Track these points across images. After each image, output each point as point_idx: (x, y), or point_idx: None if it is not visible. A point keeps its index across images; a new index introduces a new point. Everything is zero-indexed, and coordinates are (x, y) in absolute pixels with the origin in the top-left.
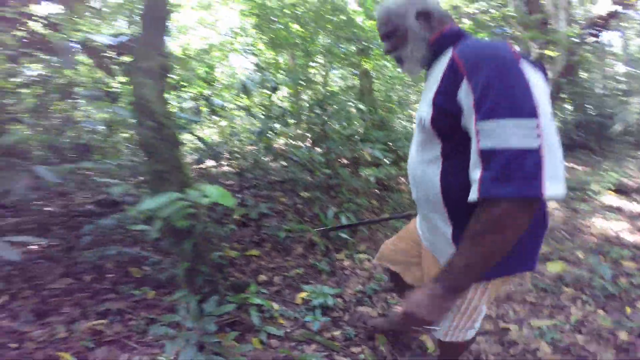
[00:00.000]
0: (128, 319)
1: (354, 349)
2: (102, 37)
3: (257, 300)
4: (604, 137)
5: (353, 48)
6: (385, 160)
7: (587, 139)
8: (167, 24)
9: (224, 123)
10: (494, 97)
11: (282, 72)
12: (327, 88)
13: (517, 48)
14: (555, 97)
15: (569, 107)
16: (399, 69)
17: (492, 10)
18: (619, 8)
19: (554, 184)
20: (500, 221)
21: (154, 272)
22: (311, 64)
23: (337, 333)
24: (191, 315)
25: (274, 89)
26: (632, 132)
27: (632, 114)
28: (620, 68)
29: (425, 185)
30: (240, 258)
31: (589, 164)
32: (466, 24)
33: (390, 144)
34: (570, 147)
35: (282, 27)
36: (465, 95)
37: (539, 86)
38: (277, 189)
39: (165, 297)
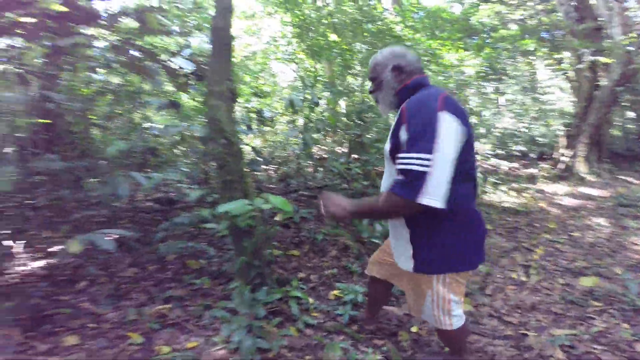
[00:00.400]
0: (187, 305)
1: (378, 342)
2: (182, 61)
3: (297, 294)
4: None
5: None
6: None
7: None
8: (231, 50)
9: (268, 131)
10: (412, 140)
11: (320, 81)
12: (364, 96)
13: (447, 97)
14: (611, 105)
15: (631, 114)
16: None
17: (541, 15)
18: None
19: (431, 198)
20: (391, 205)
21: (208, 265)
22: (349, 72)
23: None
24: (244, 303)
25: (316, 104)
26: None
27: None
28: None
29: None
30: (282, 256)
31: None
32: (512, 29)
33: None
34: (629, 159)
35: (320, 36)
36: (403, 135)
37: (450, 130)
38: (315, 195)
39: (218, 287)
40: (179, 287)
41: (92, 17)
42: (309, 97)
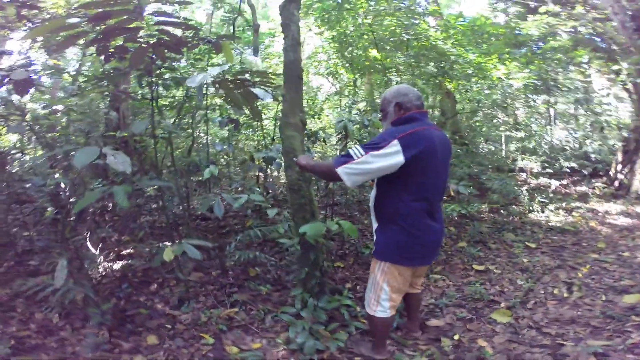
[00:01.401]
0: (249, 309)
1: (422, 347)
2: (259, 91)
3: (348, 302)
4: None
5: (432, 68)
6: (468, 194)
7: None
8: (302, 81)
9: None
10: (368, 142)
11: (360, 95)
12: None
13: (413, 133)
14: None
15: None
16: None
17: (594, 24)
18: None
19: (344, 174)
20: (326, 167)
21: (263, 273)
22: (387, 87)
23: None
24: (308, 309)
25: (366, 127)
26: None
27: None
28: None
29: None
30: (330, 268)
31: None
32: (563, 39)
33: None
34: None
35: (361, 52)
36: None
37: (386, 152)
38: (354, 208)
39: (275, 293)
40: (241, 292)
41: (181, 44)
42: (358, 119)
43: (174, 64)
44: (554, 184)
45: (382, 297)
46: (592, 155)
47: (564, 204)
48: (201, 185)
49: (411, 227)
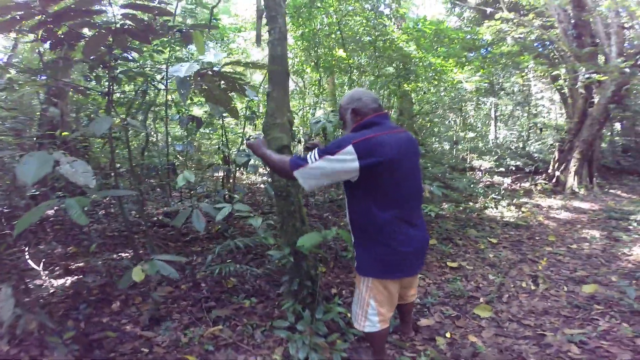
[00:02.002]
0: (234, 324)
1: (420, 347)
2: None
3: (340, 310)
4: None
5: (391, 69)
6: (441, 194)
7: (636, 163)
8: (289, 78)
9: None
10: (326, 146)
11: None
12: None
13: (369, 139)
14: (603, 122)
15: (617, 127)
16: None
17: (539, 31)
18: None
19: (300, 177)
20: (283, 165)
21: (241, 284)
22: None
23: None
24: (306, 321)
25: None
26: None
27: None
28: None
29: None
30: (318, 277)
31: (636, 191)
32: (510, 44)
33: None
34: (617, 172)
35: (327, 50)
36: None
37: (340, 158)
38: (325, 209)
39: (259, 305)
40: (221, 307)
41: (151, 32)
42: (333, 120)
43: (129, 55)
44: (506, 181)
45: (369, 312)
46: (535, 155)
47: (514, 200)
48: (158, 188)
49: (388, 239)
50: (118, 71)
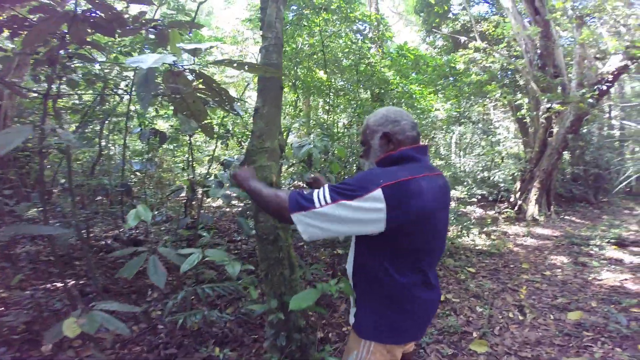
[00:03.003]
0: None
1: None
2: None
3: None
4: (602, 189)
5: (366, 95)
6: None
7: (586, 191)
8: (282, 94)
9: None
10: (340, 183)
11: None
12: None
13: (404, 184)
14: (562, 152)
15: (566, 157)
16: None
17: (505, 60)
18: (629, 63)
19: (300, 222)
20: (278, 203)
21: (206, 325)
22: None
23: None
24: None
25: (327, 153)
26: (629, 184)
27: (628, 164)
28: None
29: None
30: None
31: (588, 217)
32: (476, 73)
33: None
34: (569, 199)
35: (307, 70)
36: None
37: (364, 205)
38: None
39: (232, 353)
40: (185, 356)
41: (120, 23)
42: (319, 145)
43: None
44: (478, 211)
45: None
46: (501, 184)
47: (484, 229)
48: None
49: (402, 305)
50: (63, 72)
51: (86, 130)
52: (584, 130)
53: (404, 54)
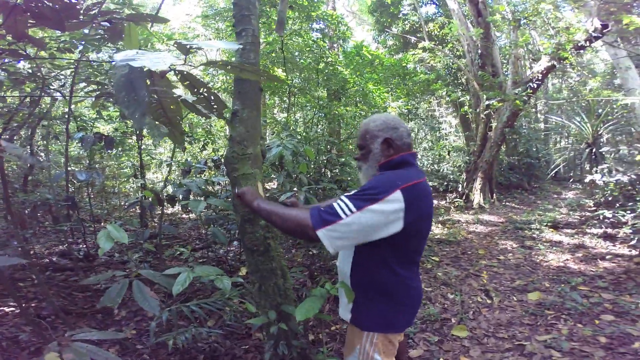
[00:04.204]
0: None
1: None
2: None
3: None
4: (534, 176)
5: (324, 93)
6: None
7: (521, 179)
8: (261, 96)
9: None
10: (358, 191)
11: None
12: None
13: (416, 185)
14: (500, 144)
15: (503, 149)
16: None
17: (450, 59)
18: (556, 63)
19: (326, 237)
20: (298, 222)
21: (193, 341)
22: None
23: None
24: None
25: (296, 154)
26: (558, 171)
27: (554, 153)
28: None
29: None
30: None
31: (525, 202)
32: (423, 72)
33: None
34: (507, 187)
35: (264, 68)
36: None
37: (387, 208)
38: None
39: None
40: None
41: (70, 16)
42: (290, 146)
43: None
44: (434, 202)
45: None
46: (451, 175)
47: (439, 218)
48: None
49: (399, 295)
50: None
51: (14, 137)
52: (516, 124)
53: (361, 54)
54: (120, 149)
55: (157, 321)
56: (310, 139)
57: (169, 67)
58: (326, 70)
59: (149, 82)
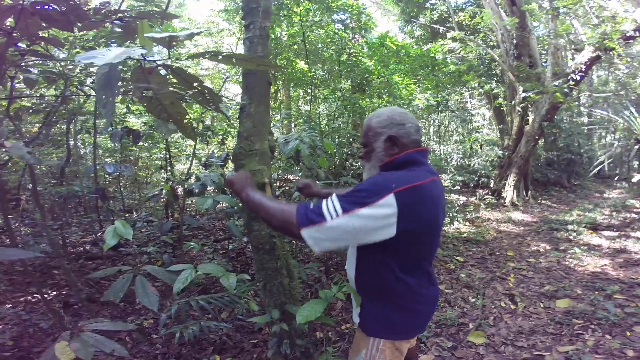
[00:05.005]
0: None
1: None
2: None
3: None
4: (574, 173)
5: (347, 85)
6: None
7: (559, 175)
8: (270, 90)
9: None
10: (348, 192)
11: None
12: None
13: (415, 188)
14: (538, 139)
15: (540, 143)
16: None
17: (482, 49)
18: (601, 53)
19: (310, 237)
20: (284, 217)
21: (203, 334)
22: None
23: None
24: None
25: (315, 148)
26: (602, 168)
27: (598, 149)
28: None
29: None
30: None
31: (563, 201)
32: (453, 63)
33: None
34: (543, 184)
35: (287, 61)
36: None
37: (378, 212)
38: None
39: None
40: None
41: (78, 17)
42: (307, 139)
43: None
44: (462, 198)
45: None
46: (482, 170)
47: (467, 216)
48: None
49: (407, 302)
50: (16, 71)
51: (51, 132)
52: (556, 118)
53: (385, 44)
54: (150, 141)
55: (167, 313)
56: (330, 132)
57: (158, 63)
58: (349, 62)
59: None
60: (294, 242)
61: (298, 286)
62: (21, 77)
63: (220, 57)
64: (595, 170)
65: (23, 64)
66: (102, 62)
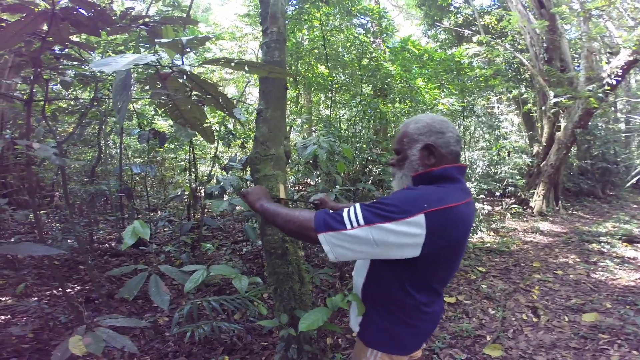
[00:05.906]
0: None
1: None
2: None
3: None
4: (610, 183)
5: (369, 89)
6: None
7: (593, 185)
8: (287, 94)
9: None
10: (375, 202)
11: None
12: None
13: (448, 210)
14: (570, 146)
15: (573, 151)
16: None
17: (509, 52)
18: (639, 57)
19: (327, 243)
20: (302, 222)
21: (215, 334)
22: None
23: None
24: None
25: (333, 153)
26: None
27: (636, 157)
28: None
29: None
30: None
31: (596, 212)
32: (480, 67)
33: None
34: (575, 194)
35: (308, 65)
36: None
37: (402, 230)
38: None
39: None
40: None
41: (104, 20)
42: (325, 145)
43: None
44: (487, 207)
45: None
46: (509, 179)
47: (492, 225)
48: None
49: (415, 320)
50: (53, 73)
51: (85, 132)
52: (590, 124)
53: (407, 48)
54: (176, 143)
55: (179, 312)
56: (349, 137)
57: (174, 69)
58: (370, 66)
59: (159, 85)
60: (309, 246)
61: (309, 292)
62: (58, 79)
63: (232, 63)
64: (634, 181)
65: (60, 68)
66: (112, 69)
